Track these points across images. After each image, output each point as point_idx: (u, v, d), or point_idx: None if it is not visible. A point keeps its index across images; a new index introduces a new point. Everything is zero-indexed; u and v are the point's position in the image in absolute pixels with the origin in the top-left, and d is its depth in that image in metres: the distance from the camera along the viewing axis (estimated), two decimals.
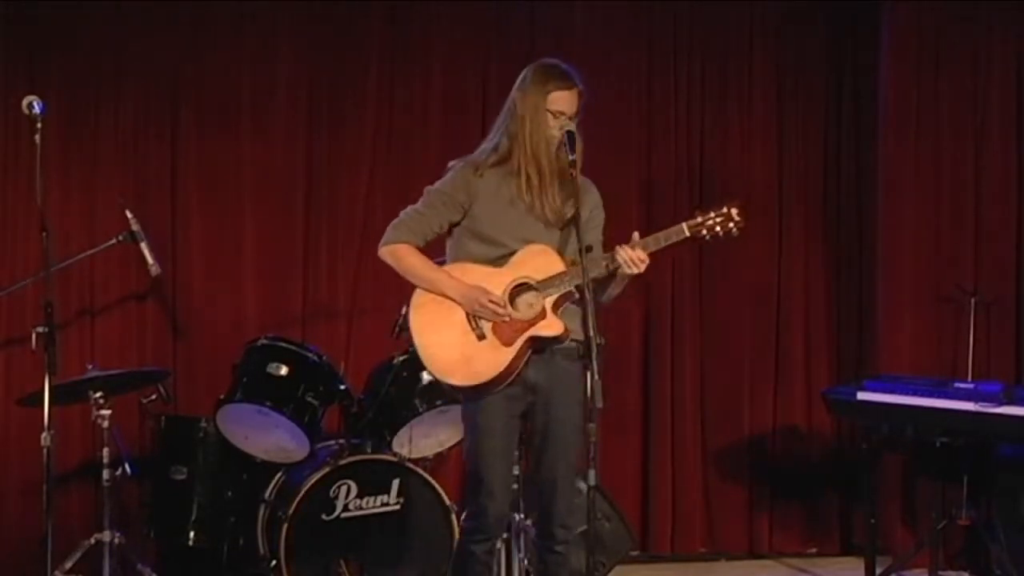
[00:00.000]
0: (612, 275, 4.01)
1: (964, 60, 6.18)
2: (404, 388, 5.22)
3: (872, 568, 5.69)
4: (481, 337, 4.01)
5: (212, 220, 6.03)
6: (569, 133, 4.02)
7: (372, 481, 5.14)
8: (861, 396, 5.51)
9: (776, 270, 6.50)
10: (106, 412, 5.05)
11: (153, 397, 5.32)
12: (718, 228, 4.03)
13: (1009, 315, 6.13)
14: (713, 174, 6.43)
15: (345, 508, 5.12)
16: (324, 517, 5.09)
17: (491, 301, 3.98)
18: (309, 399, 5.20)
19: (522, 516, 4.92)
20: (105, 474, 5.07)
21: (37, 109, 4.46)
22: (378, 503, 5.15)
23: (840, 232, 6.56)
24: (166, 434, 5.43)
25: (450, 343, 4.03)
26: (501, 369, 3.99)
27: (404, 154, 6.11)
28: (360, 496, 5.13)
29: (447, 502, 5.10)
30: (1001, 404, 5.24)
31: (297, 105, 6.10)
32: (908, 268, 6.19)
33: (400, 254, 4.11)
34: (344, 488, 5.11)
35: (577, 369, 4.05)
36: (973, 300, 5.95)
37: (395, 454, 5.20)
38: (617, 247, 3.98)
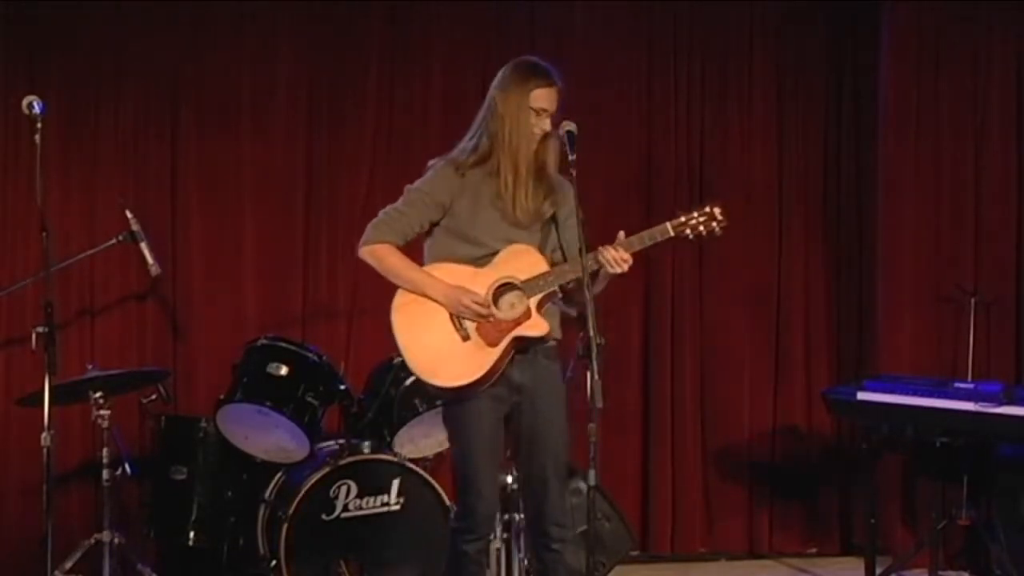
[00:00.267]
0: (594, 274, 4.00)
1: (964, 60, 6.18)
2: (404, 388, 5.22)
3: (872, 568, 5.69)
4: (466, 338, 4.00)
5: (212, 220, 6.03)
6: (569, 133, 4.02)
7: (372, 481, 5.14)
8: (861, 396, 5.51)
9: (776, 270, 6.51)
10: (106, 412, 5.05)
11: (153, 397, 5.32)
12: (701, 227, 4.04)
13: (1009, 315, 6.13)
14: (713, 174, 6.44)
15: (345, 508, 5.11)
16: (324, 517, 5.09)
17: (475, 301, 3.97)
18: (309, 399, 5.20)
19: (522, 516, 4.92)
20: (105, 474, 5.07)
21: (37, 109, 4.46)
22: (378, 503, 5.15)
23: (840, 232, 6.56)
24: (166, 434, 5.43)
25: (434, 344, 4.02)
26: (486, 369, 3.98)
27: (404, 154, 6.10)
28: (360, 496, 5.13)
29: (447, 502, 5.09)
30: (1001, 404, 5.24)
31: (297, 105, 6.10)
32: (908, 268, 6.19)
33: (381, 254, 4.10)
34: (344, 488, 5.11)
35: (557, 368, 4.09)
36: (973, 300, 5.95)
37: (395, 454, 5.20)
38: (600, 247, 3.98)
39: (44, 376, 4.43)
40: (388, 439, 5.26)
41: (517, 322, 4.00)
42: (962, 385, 5.43)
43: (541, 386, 4.08)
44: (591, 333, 3.80)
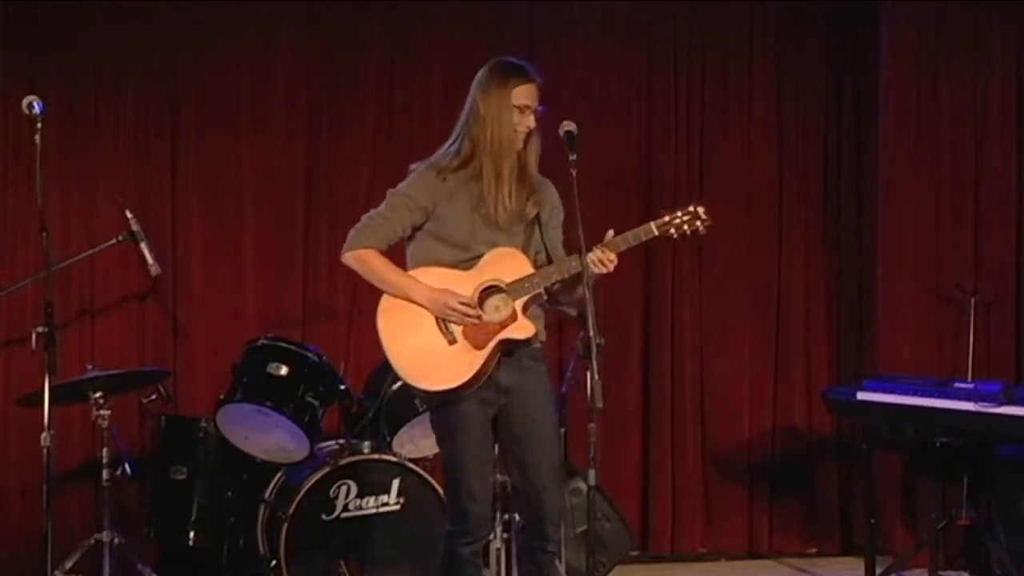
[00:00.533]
0: (579, 275, 3.99)
1: (964, 60, 6.17)
2: (404, 388, 5.21)
3: (872, 568, 5.69)
4: (452, 341, 4.00)
5: (212, 220, 6.03)
6: (569, 133, 4.03)
7: (372, 481, 5.14)
8: (861, 396, 5.52)
9: (776, 270, 6.51)
10: (106, 412, 5.05)
11: (153, 397, 5.31)
12: (686, 227, 4.03)
13: (1009, 315, 6.13)
14: (713, 174, 6.44)
15: (345, 508, 5.12)
16: (324, 517, 5.09)
17: (461, 304, 3.97)
18: (309, 399, 5.20)
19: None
20: (105, 474, 5.07)
21: (37, 109, 4.46)
22: (378, 503, 5.15)
23: (840, 232, 6.56)
24: (166, 434, 5.42)
25: (420, 348, 4.01)
26: (473, 372, 3.97)
27: (404, 154, 6.02)
28: (360, 496, 5.13)
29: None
30: (1001, 404, 5.23)
31: (297, 105, 6.10)
32: (908, 268, 6.19)
33: (364, 259, 4.09)
34: (344, 488, 5.11)
35: (544, 370, 4.10)
36: (973, 300, 5.95)
37: (395, 454, 5.20)
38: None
39: (44, 376, 4.43)
40: (388, 439, 5.26)
41: (503, 325, 3.99)
42: (962, 385, 5.42)
43: (529, 388, 4.08)
44: (591, 333, 3.81)
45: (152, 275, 5.40)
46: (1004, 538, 5.49)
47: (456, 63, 6.22)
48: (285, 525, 4.99)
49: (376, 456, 5.18)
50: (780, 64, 6.52)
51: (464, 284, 4.01)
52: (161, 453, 5.43)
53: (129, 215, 5.33)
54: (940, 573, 5.80)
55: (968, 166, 6.19)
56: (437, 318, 4.01)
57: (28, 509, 5.59)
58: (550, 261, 4.11)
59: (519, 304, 4.00)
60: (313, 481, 5.04)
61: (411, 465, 5.16)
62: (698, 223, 4.03)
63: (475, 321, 3.97)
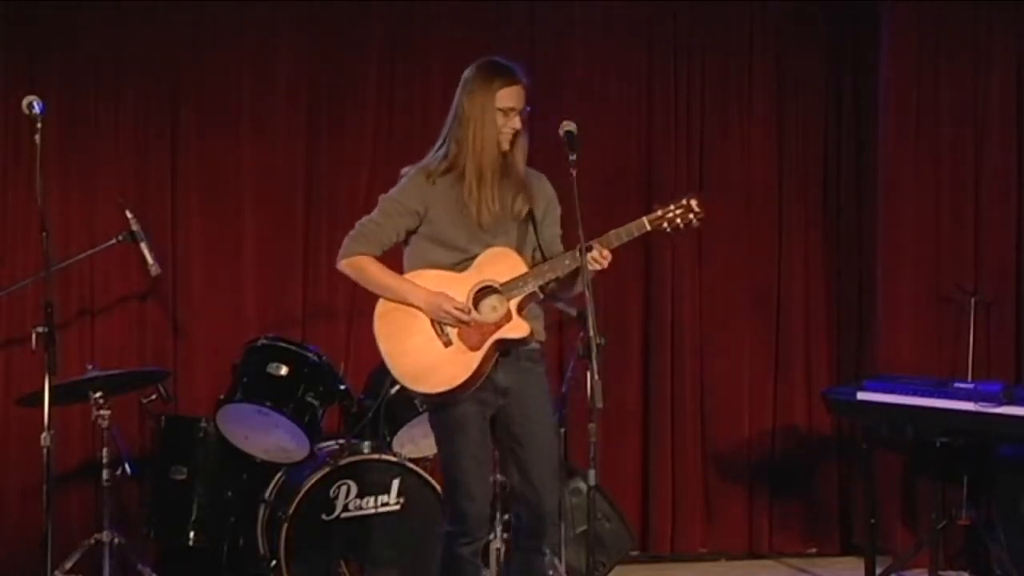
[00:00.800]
0: (574, 273, 3.99)
1: (964, 60, 6.17)
2: (404, 388, 5.20)
3: (872, 568, 5.69)
4: (448, 344, 3.99)
5: (212, 220, 6.03)
6: (569, 133, 4.02)
7: (372, 481, 5.14)
8: (861, 396, 5.52)
9: (776, 270, 6.51)
10: (106, 412, 5.05)
11: (153, 397, 5.32)
12: (679, 220, 4.01)
13: (1009, 315, 6.12)
14: (713, 174, 6.44)
15: (345, 508, 5.12)
16: (324, 517, 5.09)
17: (454, 307, 3.96)
18: (309, 399, 5.20)
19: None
20: (105, 474, 5.07)
21: (37, 109, 4.46)
22: (378, 503, 5.15)
23: (840, 232, 6.56)
24: (166, 434, 5.43)
25: (417, 351, 4.01)
26: (469, 374, 3.97)
27: (404, 154, 6.01)
28: (360, 496, 5.13)
29: None
30: (1001, 404, 5.23)
31: (297, 105, 6.10)
32: (908, 268, 6.19)
33: (360, 265, 4.09)
34: (344, 488, 5.11)
35: (542, 371, 4.09)
36: (973, 300, 5.94)
37: (395, 454, 5.20)
38: (578, 245, 3.95)
39: (44, 376, 4.43)
40: (388, 439, 5.26)
41: (498, 325, 3.98)
42: (962, 385, 5.42)
43: (527, 389, 4.08)
44: (591, 333, 3.80)
45: (152, 275, 5.40)
46: (1004, 538, 5.49)
47: (456, 63, 6.13)
48: (285, 525, 4.99)
49: (376, 456, 5.18)
50: (780, 64, 6.52)
51: (459, 285, 4.01)
52: (161, 453, 5.43)
53: (129, 215, 5.33)
54: (940, 573, 5.80)
55: (968, 166, 6.19)
56: (433, 321, 4.01)
57: (28, 509, 5.59)
58: (545, 260, 4.10)
59: (514, 304, 4.00)
60: (313, 481, 5.04)
61: (411, 465, 5.16)
62: (691, 216, 4.01)
63: (469, 323, 3.97)
